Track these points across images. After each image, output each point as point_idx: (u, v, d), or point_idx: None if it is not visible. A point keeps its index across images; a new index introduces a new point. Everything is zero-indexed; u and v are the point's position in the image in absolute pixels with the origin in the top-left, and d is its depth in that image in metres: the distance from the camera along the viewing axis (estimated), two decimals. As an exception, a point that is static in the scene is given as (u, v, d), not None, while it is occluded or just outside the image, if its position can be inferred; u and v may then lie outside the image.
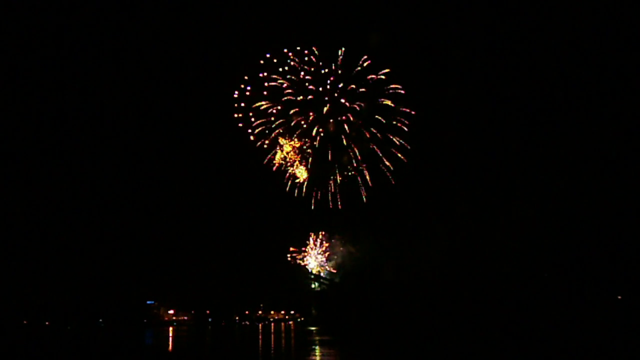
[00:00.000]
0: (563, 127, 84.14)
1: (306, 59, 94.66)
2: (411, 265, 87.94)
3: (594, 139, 78.30)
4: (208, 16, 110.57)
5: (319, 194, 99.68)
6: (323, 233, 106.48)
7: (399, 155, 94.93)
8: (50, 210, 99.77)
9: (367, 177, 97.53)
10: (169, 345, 63.60)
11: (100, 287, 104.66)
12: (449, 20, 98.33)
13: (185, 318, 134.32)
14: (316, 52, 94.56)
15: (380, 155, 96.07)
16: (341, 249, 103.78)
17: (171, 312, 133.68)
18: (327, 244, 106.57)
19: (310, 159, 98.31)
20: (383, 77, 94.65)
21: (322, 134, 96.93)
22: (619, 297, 76.56)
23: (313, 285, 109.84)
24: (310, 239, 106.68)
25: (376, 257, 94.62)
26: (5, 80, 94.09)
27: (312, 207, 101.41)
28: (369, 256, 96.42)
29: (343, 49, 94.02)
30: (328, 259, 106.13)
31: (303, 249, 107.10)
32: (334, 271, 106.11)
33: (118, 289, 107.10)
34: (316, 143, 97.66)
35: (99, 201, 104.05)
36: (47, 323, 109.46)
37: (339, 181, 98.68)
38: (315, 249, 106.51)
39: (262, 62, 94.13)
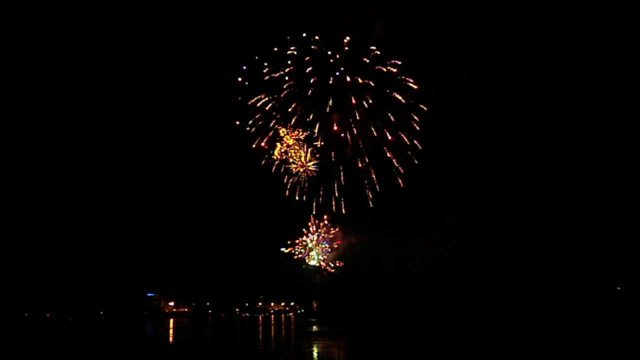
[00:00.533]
0: (565, 124, 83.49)
1: (310, 47, 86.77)
2: (412, 258, 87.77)
3: (595, 134, 78.03)
4: (204, 4, 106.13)
5: (321, 198, 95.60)
6: (325, 223, 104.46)
7: (410, 154, 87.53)
8: (51, 204, 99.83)
9: (374, 179, 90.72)
10: (169, 337, 63.76)
11: (101, 279, 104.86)
12: (461, 8, 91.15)
13: (186, 310, 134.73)
14: (319, 40, 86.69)
15: (390, 156, 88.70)
16: (342, 240, 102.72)
17: (171, 304, 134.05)
18: (328, 236, 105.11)
19: (311, 153, 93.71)
20: (393, 69, 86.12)
21: (325, 131, 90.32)
22: (618, 288, 76.86)
23: (314, 277, 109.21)
24: (311, 229, 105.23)
25: (377, 249, 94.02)
26: (8, 79, 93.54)
27: (314, 212, 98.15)
28: (370, 248, 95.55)
29: (348, 37, 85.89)
30: (329, 251, 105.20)
31: (303, 239, 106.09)
32: (337, 264, 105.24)
33: (119, 281, 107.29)
34: (319, 142, 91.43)
35: (100, 195, 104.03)
36: (48, 315, 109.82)
37: (342, 183, 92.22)
38: (316, 240, 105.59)
39: (261, 52, 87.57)
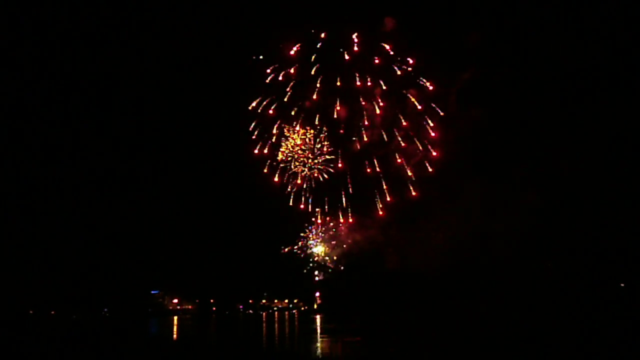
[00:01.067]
0: (567, 123, 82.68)
1: (316, 45, 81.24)
2: (416, 254, 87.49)
3: (602, 129, 77.38)
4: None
5: (327, 207, 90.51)
6: (329, 219, 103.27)
7: (422, 158, 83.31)
8: (54, 200, 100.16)
9: (385, 188, 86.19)
10: (173, 334, 63.93)
11: (104, 276, 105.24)
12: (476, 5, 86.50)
13: (189, 307, 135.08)
14: (326, 38, 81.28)
15: (402, 163, 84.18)
16: (346, 237, 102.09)
17: (175, 301, 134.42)
18: (333, 233, 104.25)
19: (319, 150, 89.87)
20: (409, 68, 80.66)
21: (332, 135, 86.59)
22: (622, 285, 76.85)
23: (317, 274, 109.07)
24: (314, 225, 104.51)
25: (381, 246, 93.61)
26: (9, 77, 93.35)
27: (319, 227, 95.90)
28: (374, 244, 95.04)
29: (356, 35, 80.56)
30: (333, 247, 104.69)
31: (307, 235, 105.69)
32: (340, 261, 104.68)
33: (122, 278, 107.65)
34: (325, 148, 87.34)
35: (103, 191, 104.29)
36: (52, 312, 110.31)
37: (350, 191, 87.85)
38: (320, 236, 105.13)
39: (264, 50, 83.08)
